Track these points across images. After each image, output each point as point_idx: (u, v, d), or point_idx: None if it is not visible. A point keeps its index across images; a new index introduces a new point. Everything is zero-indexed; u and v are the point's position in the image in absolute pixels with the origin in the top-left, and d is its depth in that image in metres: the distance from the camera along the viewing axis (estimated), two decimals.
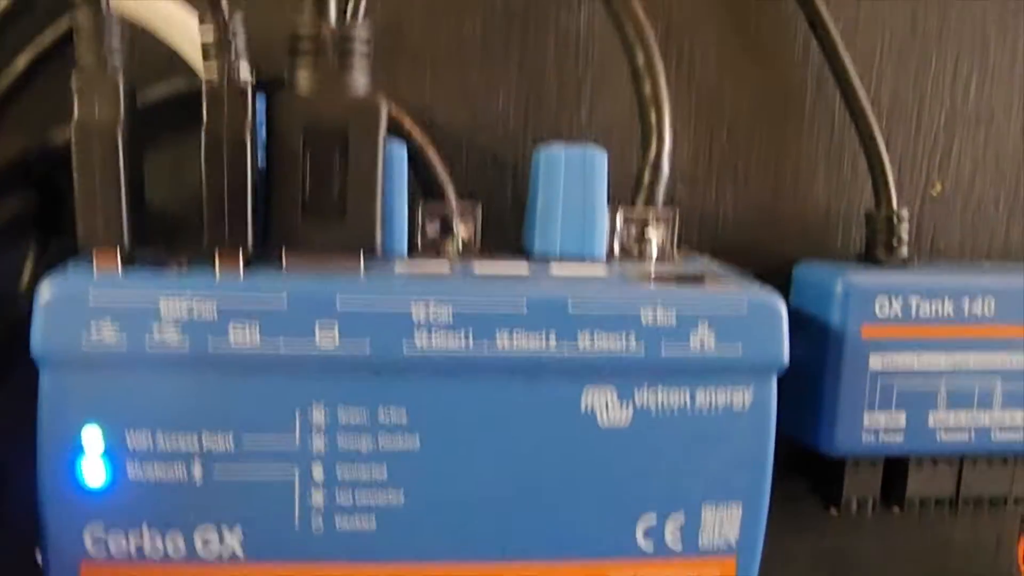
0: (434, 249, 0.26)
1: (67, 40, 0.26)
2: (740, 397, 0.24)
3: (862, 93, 0.29)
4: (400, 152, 0.25)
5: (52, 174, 0.25)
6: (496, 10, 0.29)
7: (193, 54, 0.24)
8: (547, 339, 0.23)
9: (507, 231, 0.28)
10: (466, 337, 0.22)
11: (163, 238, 0.26)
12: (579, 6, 0.28)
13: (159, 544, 0.23)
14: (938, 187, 0.31)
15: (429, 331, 0.22)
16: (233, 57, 0.22)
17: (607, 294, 0.23)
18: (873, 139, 0.29)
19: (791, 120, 0.30)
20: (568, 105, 0.29)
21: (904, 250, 0.30)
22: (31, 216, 0.25)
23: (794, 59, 0.30)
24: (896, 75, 0.30)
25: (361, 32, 0.23)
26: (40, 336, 0.22)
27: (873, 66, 0.30)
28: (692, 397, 0.24)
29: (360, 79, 0.23)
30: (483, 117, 0.29)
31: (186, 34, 0.24)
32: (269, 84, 0.25)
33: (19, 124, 0.26)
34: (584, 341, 0.23)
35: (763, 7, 0.29)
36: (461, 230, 0.26)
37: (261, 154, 0.23)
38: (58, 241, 0.26)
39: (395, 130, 0.26)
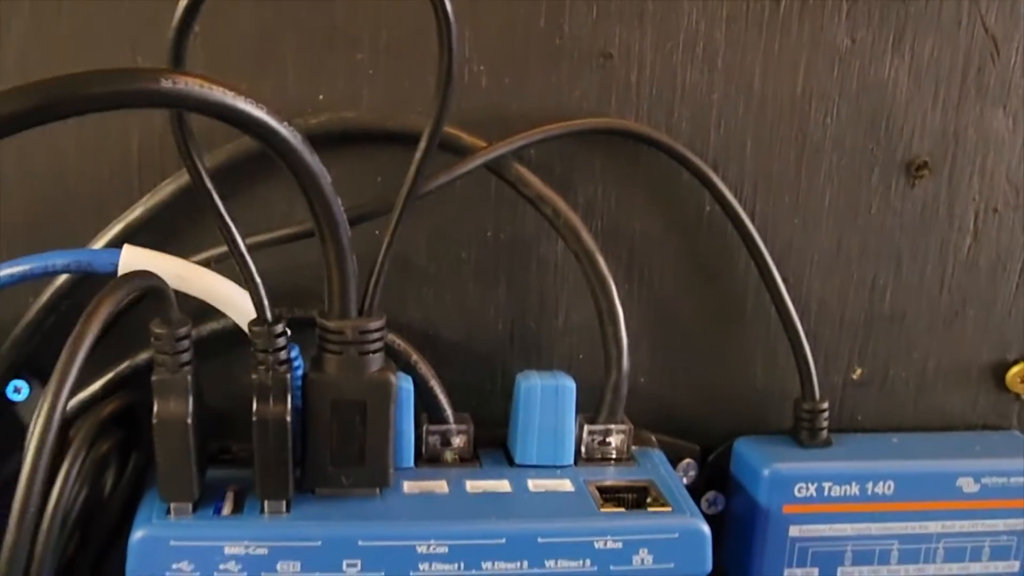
0: (435, 458, 0.33)
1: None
2: None
3: (790, 306, 0.35)
4: (408, 386, 0.31)
5: (132, 411, 0.31)
6: (487, 241, 0.34)
7: (244, 323, 0.30)
8: (521, 564, 0.29)
9: (496, 416, 0.34)
10: (459, 564, 0.29)
11: (218, 429, 0.33)
12: (556, 239, 0.34)
13: None
14: (858, 372, 0.37)
15: (431, 562, 0.29)
16: (277, 351, 0.28)
17: (568, 527, 0.29)
18: (800, 344, 0.35)
19: (733, 323, 0.36)
20: (547, 315, 0.35)
21: (824, 434, 0.36)
22: (118, 446, 0.31)
23: (736, 275, 0.35)
24: (823, 286, 0.36)
25: (373, 326, 0.29)
26: (133, 567, 0.28)
27: (804, 279, 0.36)
28: None
29: (375, 361, 0.29)
30: (476, 327, 0.35)
31: (240, 308, 0.30)
32: (299, 322, 0.31)
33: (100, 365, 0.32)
34: (550, 564, 0.29)
35: (711, 235, 0.35)
36: (458, 442, 0.33)
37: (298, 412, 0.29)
38: (135, 455, 0.32)
39: (404, 362, 0.32)
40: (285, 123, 0.24)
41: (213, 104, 0.22)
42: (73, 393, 0.32)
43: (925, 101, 0.34)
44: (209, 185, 0.26)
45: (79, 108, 0.21)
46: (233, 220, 0.28)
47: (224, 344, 0.33)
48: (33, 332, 0.33)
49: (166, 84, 0.22)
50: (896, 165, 0.35)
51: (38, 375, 0.34)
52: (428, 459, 0.33)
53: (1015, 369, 0.38)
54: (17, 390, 0.34)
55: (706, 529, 0.30)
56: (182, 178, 0.32)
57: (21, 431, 0.34)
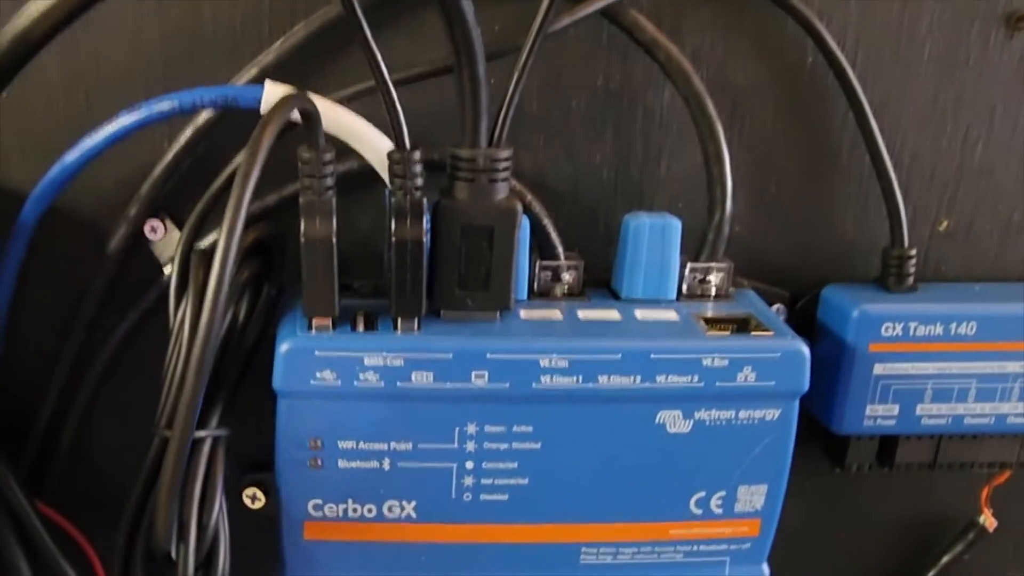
0: (546, 292, 0.35)
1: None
2: (771, 414, 0.33)
3: (885, 155, 0.36)
4: (525, 224, 0.33)
5: (268, 245, 0.34)
6: (597, 90, 0.36)
7: (373, 158, 0.32)
8: (634, 378, 0.32)
9: (599, 260, 0.36)
10: (577, 378, 0.31)
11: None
12: (663, 88, 0.35)
13: (359, 511, 0.33)
14: (944, 224, 0.39)
15: (551, 375, 0.31)
16: (414, 176, 0.30)
17: (678, 345, 0.32)
18: (892, 193, 0.37)
19: (827, 173, 0.38)
20: (650, 164, 0.37)
21: (910, 280, 0.37)
22: (254, 276, 0.33)
23: (834, 126, 0.37)
24: (916, 139, 0.37)
25: (503, 155, 0.31)
26: (280, 377, 0.31)
27: (898, 131, 0.37)
28: (736, 414, 0.33)
29: (502, 189, 0.31)
30: (583, 173, 0.37)
31: (371, 144, 0.32)
32: (431, 165, 0.33)
33: None
34: (660, 379, 0.32)
35: (812, 85, 0.36)
36: (568, 278, 0.35)
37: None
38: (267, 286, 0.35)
39: (519, 201, 0.34)
40: None
41: None
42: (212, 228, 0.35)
43: None
44: (361, 16, 0.28)
45: None
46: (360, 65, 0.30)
47: (346, 188, 0.35)
48: (170, 174, 0.35)
49: None
50: (997, 17, 0.36)
51: (173, 216, 0.36)
52: (540, 293, 0.35)
53: None
54: (153, 229, 0.36)
55: (806, 350, 0.32)
56: (312, 24, 0.34)
57: (157, 268, 0.37)
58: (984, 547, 0.43)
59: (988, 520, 0.43)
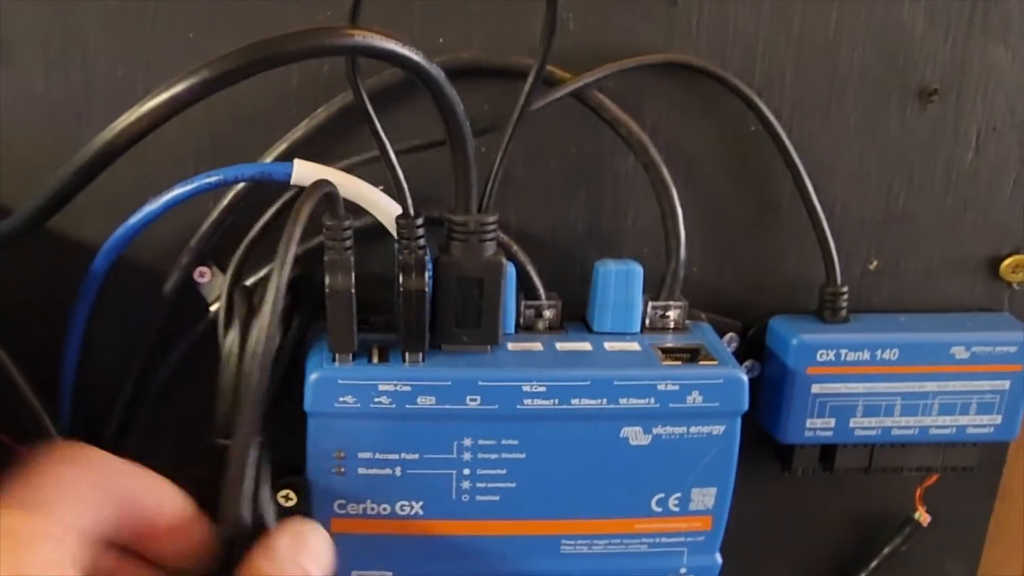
0: (530, 327, 0.42)
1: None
2: (717, 429, 0.39)
3: (819, 209, 0.43)
4: (511, 271, 0.40)
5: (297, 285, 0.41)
6: (571, 155, 0.42)
7: (384, 219, 0.39)
8: (601, 401, 0.38)
9: (576, 298, 0.43)
10: (554, 400, 0.38)
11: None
12: (627, 155, 0.42)
13: (375, 509, 0.40)
14: (874, 263, 0.45)
15: (532, 398, 0.38)
16: (417, 238, 0.37)
17: (637, 373, 0.38)
18: (825, 240, 0.43)
19: (771, 222, 0.44)
20: (618, 218, 0.43)
21: (843, 312, 0.44)
22: (286, 310, 0.40)
23: (774, 183, 0.43)
24: (847, 193, 0.44)
25: (490, 219, 0.37)
26: (310, 400, 0.38)
27: (831, 187, 0.43)
28: (688, 429, 0.39)
29: (490, 247, 0.38)
30: (561, 225, 0.43)
31: (382, 208, 0.39)
32: (431, 220, 0.39)
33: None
34: (623, 401, 0.38)
35: (754, 150, 0.43)
36: (548, 315, 0.42)
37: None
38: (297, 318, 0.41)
39: (507, 251, 0.41)
40: (434, 64, 0.32)
41: (387, 51, 0.31)
42: (256, 271, 0.42)
43: (937, 38, 0.41)
44: (369, 107, 0.35)
45: (300, 57, 0.30)
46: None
47: (362, 240, 0.42)
48: (215, 229, 0.42)
49: (358, 38, 0.30)
50: (911, 91, 0.42)
51: (218, 263, 0.43)
52: (525, 327, 0.42)
53: (1007, 261, 0.45)
54: (201, 274, 0.43)
55: (744, 377, 0.39)
56: (332, 107, 0.40)
57: (204, 307, 0.44)
58: (920, 540, 0.50)
59: (922, 516, 0.49)
